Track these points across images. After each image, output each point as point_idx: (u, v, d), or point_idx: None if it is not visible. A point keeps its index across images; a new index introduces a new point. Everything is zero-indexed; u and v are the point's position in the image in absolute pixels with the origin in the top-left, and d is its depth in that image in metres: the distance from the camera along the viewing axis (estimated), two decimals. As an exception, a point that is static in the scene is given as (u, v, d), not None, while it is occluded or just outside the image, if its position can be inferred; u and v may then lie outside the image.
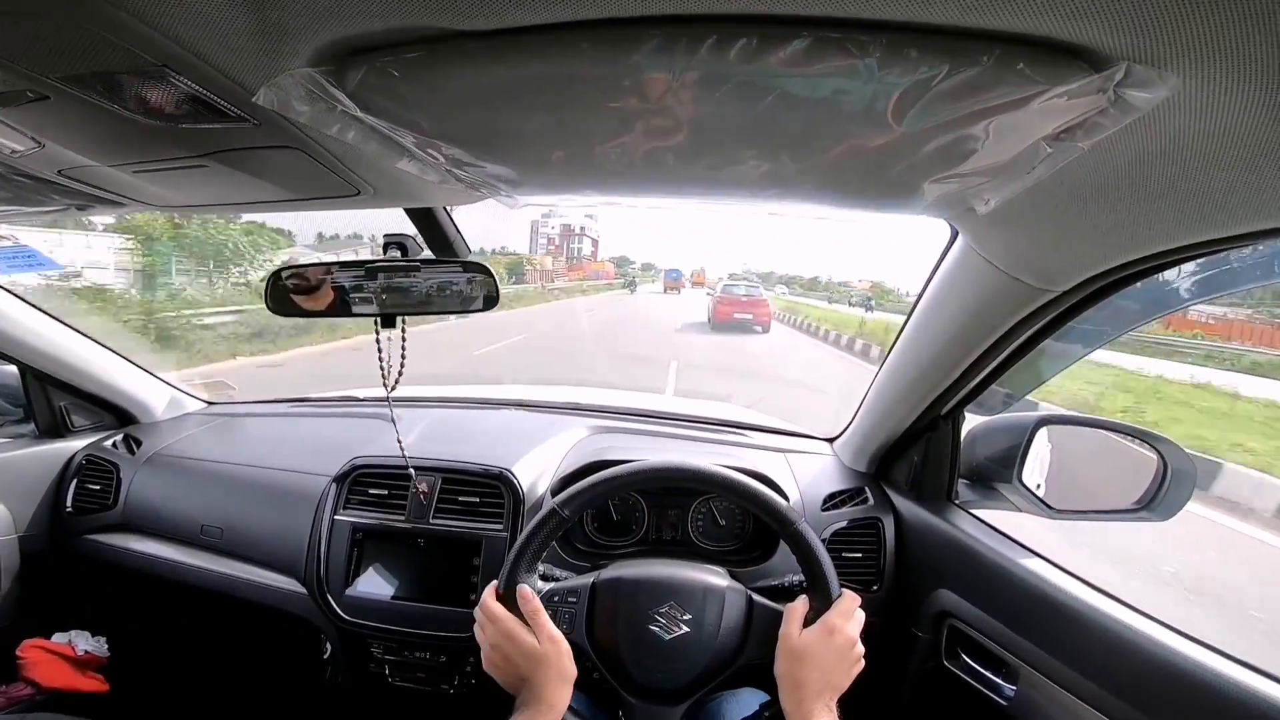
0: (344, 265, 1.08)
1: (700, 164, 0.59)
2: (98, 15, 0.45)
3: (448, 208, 1.11)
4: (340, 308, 1.08)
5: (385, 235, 1.11)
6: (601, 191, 0.73)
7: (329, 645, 1.51)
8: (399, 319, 1.08)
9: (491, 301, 1.09)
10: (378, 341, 1.08)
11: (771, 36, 0.42)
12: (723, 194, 0.69)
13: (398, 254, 1.09)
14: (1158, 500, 0.95)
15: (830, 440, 1.55)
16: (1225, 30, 0.36)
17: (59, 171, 0.79)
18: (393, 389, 1.12)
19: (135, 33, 0.47)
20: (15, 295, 1.43)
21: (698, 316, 20.14)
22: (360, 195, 0.85)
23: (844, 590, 0.90)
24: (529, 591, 0.89)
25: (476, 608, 0.91)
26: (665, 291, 42.42)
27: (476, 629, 0.91)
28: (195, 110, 0.59)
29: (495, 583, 0.92)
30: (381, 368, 1.11)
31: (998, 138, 0.48)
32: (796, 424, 1.70)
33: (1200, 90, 0.42)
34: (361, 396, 1.90)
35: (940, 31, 0.41)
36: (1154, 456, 0.96)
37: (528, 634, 0.86)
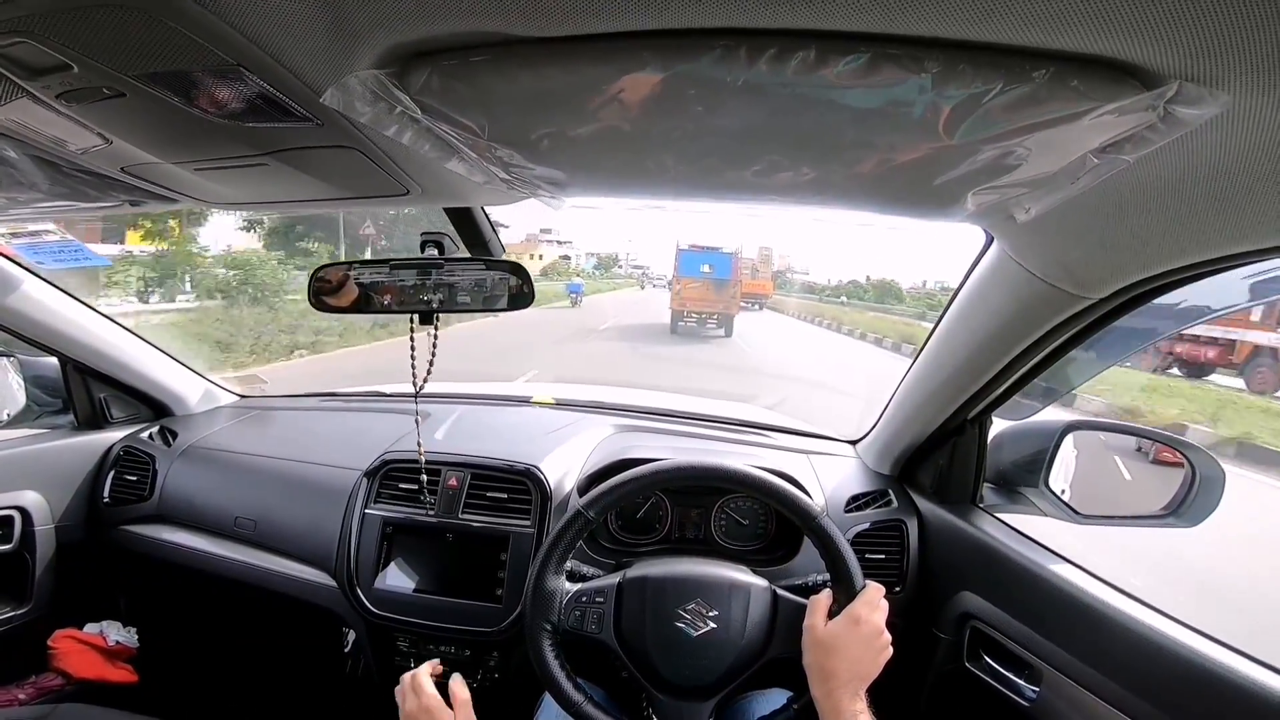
0: (384, 263, 1.10)
1: (750, 170, 0.61)
2: (182, 14, 0.46)
3: (485, 207, 1.13)
4: (380, 305, 1.10)
5: (423, 234, 1.13)
6: (648, 194, 0.74)
7: (351, 638, 1.54)
8: (435, 316, 1.10)
9: (526, 300, 1.10)
10: (411, 339, 1.10)
11: (830, 50, 0.42)
12: (767, 198, 0.70)
13: (435, 252, 1.11)
14: (1185, 506, 0.96)
15: (853, 443, 1.55)
16: (1277, 48, 0.37)
17: (121, 169, 0.81)
18: (420, 388, 1.13)
19: (216, 32, 0.48)
20: (57, 287, 1.45)
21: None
22: (409, 194, 0.87)
23: (867, 581, 0.91)
24: (461, 680, 0.94)
25: (406, 674, 0.95)
26: (676, 327, 15.72)
27: (398, 692, 0.94)
28: (263, 109, 0.61)
29: (435, 661, 0.99)
30: (413, 365, 1.12)
31: (1045, 151, 0.49)
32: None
33: (1250, 106, 0.43)
34: (389, 392, 1.92)
35: (995, 49, 0.41)
36: (1184, 462, 0.96)
37: (449, 716, 0.90)
